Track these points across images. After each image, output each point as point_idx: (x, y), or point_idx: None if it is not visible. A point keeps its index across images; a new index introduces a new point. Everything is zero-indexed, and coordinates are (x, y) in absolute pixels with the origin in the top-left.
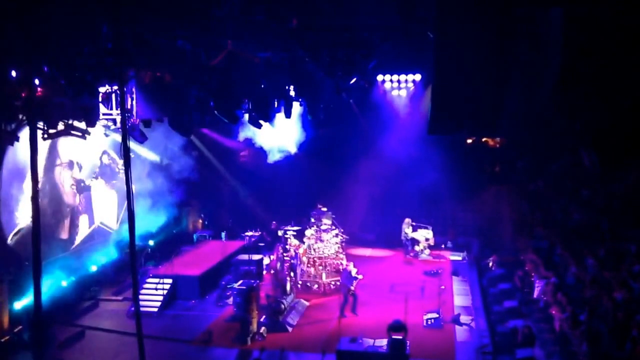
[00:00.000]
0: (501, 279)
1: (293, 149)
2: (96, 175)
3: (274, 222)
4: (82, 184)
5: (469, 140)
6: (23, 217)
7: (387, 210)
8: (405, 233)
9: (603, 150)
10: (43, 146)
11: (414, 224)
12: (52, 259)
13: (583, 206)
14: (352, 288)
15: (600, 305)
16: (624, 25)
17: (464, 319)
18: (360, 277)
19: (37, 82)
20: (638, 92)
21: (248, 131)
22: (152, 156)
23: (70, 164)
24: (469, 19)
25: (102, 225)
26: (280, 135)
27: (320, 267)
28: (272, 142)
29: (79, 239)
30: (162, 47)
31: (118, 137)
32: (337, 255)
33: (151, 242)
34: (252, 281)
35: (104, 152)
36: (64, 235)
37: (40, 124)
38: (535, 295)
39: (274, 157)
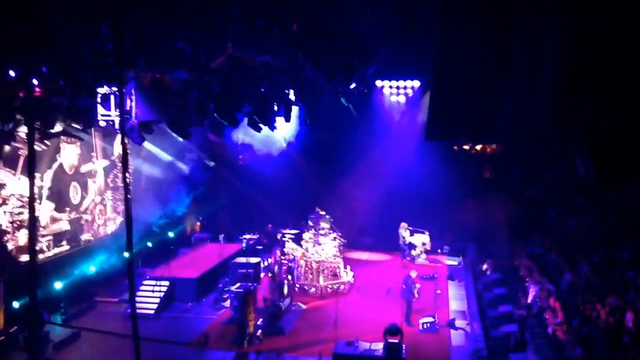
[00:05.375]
0: (496, 284)
1: (291, 153)
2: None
3: (269, 225)
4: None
5: (466, 147)
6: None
7: (385, 214)
8: (404, 237)
9: (599, 159)
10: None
11: (410, 228)
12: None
13: (578, 213)
14: (416, 295)
15: (593, 311)
16: (621, 36)
17: (459, 323)
18: (418, 285)
19: (35, 82)
20: (634, 101)
21: (247, 134)
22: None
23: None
24: (469, 28)
25: (101, 228)
26: (279, 139)
27: (318, 271)
28: (271, 145)
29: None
30: (163, 49)
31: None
32: (334, 259)
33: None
34: (250, 284)
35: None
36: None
37: (38, 124)
38: (529, 301)
39: (272, 159)
